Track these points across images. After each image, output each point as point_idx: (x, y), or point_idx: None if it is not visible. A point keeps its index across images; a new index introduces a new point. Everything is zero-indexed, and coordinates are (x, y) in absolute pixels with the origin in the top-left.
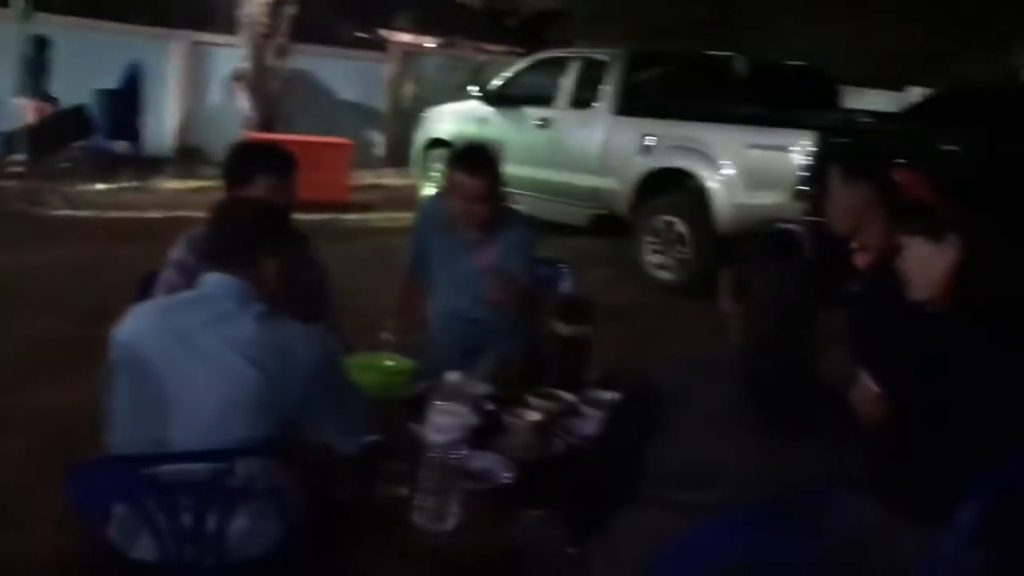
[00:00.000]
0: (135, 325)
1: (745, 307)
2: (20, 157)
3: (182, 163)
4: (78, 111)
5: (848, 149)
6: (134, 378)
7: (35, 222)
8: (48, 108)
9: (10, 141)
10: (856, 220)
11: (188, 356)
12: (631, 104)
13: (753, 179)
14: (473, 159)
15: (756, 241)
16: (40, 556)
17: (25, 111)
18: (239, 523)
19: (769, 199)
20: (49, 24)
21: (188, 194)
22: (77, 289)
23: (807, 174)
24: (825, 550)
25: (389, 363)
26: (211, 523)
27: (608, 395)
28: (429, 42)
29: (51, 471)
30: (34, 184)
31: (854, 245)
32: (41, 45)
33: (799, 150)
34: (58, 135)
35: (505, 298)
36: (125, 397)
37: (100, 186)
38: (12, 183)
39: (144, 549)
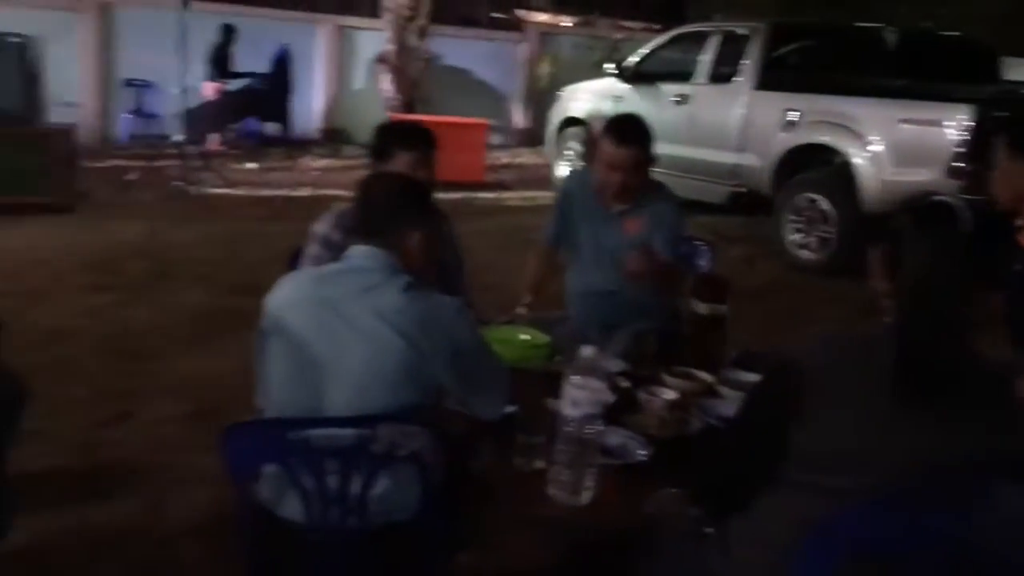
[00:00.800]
0: (286, 294)
1: (897, 284)
2: (181, 138)
3: (327, 144)
4: (247, 92)
5: (1015, 122)
6: (285, 345)
7: (192, 199)
8: (223, 90)
9: (188, 122)
10: (1022, 196)
11: (338, 325)
12: (773, 78)
13: (903, 155)
14: (622, 129)
15: (909, 215)
16: (201, 512)
17: (206, 92)
18: (381, 487)
19: (920, 176)
20: (206, 11)
21: (333, 173)
22: (229, 263)
23: (965, 150)
24: (977, 539)
25: (525, 337)
26: (355, 486)
27: (746, 376)
28: (566, 21)
29: (209, 433)
30: (192, 163)
31: (1019, 223)
32: (227, 32)
33: (954, 125)
34: (226, 115)
35: (643, 271)
36: (277, 363)
37: (251, 165)
38: (173, 163)
39: (291, 509)
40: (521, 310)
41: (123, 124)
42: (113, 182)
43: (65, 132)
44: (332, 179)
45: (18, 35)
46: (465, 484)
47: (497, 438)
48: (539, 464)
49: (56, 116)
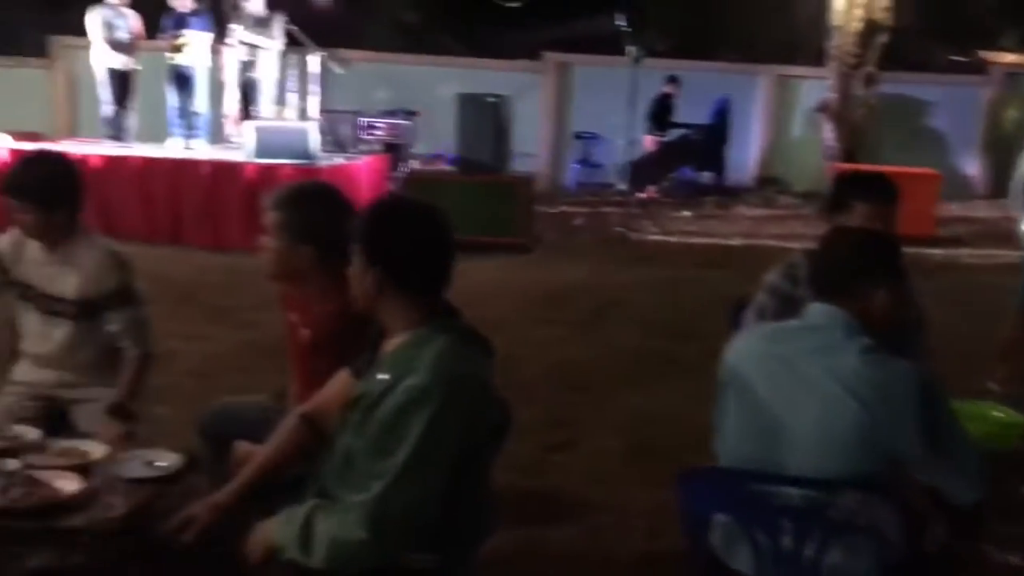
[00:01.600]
0: (743, 349)
1: None
2: (623, 187)
3: (760, 192)
4: (683, 142)
5: None
6: (741, 398)
7: (631, 245)
8: (661, 141)
9: (630, 172)
10: None
11: (791, 383)
12: None
13: None
14: None
15: None
16: (639, 545)
17: (646, 144)
18: (834, 556)
19: None
20: (655, 67)
21: (765, 222)
22: (664, 307)
23: None
24: None
25: (998, 414)
26: (809, 550)
27: None
28: None
29: (644, 469)
30: (632, 210)
31: None
32: (672, 82)
33: None
34: (663, 166)
35: None
36: (733, 415)
37: (686, 213)
38: (615, 210)
39: (742, 561)
40: (992, 385)
41: (571, 173)
42: (562, 226)
43: (526, 180)
44: (765, 229)
45: (494, 95)
46: (925, 564)
47: (965, 521)
48: (1014, 559)
49: (517, 166)
